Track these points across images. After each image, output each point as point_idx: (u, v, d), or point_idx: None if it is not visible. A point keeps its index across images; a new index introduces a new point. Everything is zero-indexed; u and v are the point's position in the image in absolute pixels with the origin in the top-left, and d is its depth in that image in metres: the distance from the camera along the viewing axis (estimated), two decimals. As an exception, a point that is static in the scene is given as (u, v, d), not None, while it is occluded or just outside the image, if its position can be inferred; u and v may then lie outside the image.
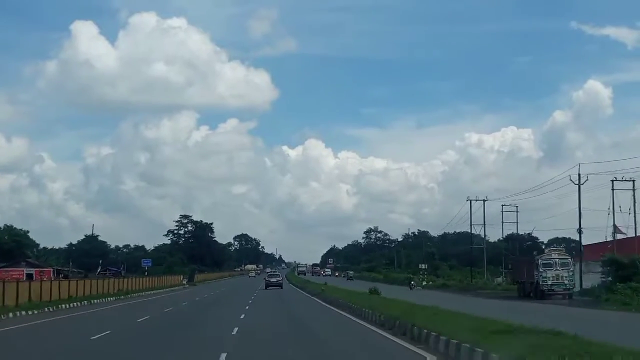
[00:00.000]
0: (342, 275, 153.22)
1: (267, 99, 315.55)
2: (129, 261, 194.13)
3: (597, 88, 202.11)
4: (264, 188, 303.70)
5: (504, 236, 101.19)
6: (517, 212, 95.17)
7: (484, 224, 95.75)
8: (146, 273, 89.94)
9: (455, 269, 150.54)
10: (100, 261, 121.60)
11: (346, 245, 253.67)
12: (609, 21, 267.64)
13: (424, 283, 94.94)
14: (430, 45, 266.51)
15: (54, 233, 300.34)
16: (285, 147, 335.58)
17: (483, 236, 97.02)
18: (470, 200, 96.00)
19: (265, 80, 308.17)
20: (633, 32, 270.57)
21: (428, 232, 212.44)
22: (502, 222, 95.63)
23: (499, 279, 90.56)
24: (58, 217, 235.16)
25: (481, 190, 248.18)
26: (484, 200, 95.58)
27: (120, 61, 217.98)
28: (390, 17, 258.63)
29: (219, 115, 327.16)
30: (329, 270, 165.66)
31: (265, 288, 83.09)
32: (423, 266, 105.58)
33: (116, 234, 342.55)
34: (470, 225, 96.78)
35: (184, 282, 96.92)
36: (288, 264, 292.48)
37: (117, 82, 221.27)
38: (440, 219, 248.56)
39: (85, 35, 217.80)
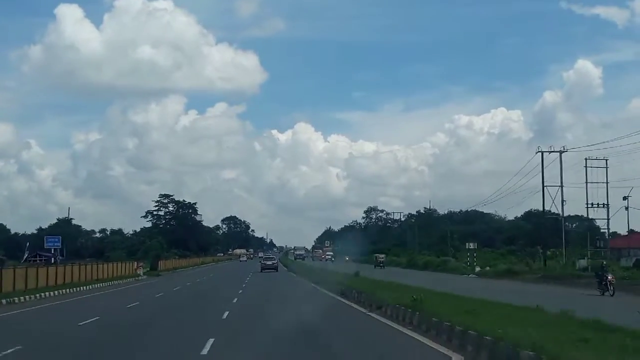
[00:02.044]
0: (350, 259, 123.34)
1: (256, 82, 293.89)
2: (106, 246, 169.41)
3: (587, 68, 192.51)
4: (253, 172, 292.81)
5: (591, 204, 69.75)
6: (606, 167, 65.68)
7: (561, 185, 65.74)
8: (57, 259, 60.99)
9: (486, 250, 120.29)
10: (28, 244, 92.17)
11: (343, 226, 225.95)
12: (598, 0, 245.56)
13: (478, 269, 65.08)
14: (418, 27, 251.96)
15: (38, 220, 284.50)
16: (274, 131, 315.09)
17: (561, 201, 66.73)
18: (542, 152, 66.12)
19: (254, 63, 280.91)
20: (623, 11, 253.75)
21: (436, 210, 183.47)
22: (587, 182, 65.72)
23: (582, 262, 60.89)
24: (46, 203, 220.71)
25: (472, 172, 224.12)
26: (561, 152, 65.86)
27: (106, 45, 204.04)
28: (377, 0, 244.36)
29: (207, 99, 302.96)
30: (331, 253, 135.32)
31: (261, 271, 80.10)
32: (471, 245, 75.75)
33: (101, 220, 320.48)
34: (543, 185, 66.62)
35: (140, 271, 66.62)
36: (280, 248, 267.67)
37: (104, 66, 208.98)
38: (430, 201, 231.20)
39: (70, 19, 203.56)
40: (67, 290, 42.75)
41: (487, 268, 67.11)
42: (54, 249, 76.59)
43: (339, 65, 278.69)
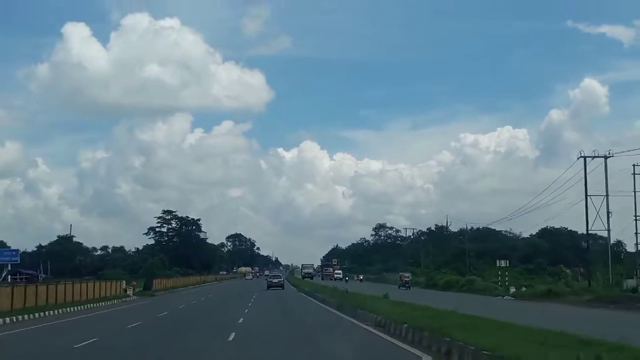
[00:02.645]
0: (364, 278, 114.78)
1: (262, 100, 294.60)
2: (107, 264, 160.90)
3: (593, 86, 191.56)
4: (259, 191, 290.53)
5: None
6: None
7: (607, 195, 56.41)
8: (39, 277, 52.18)
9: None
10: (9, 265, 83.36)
11: (350, 244, 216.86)
12: (604, 19, 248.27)
13: (512, 290, 55.76)
14: (424, 46, 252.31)
15: (43, 238, 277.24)
16: (280, 149, 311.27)
17: (607, 213, 57.54)
18: (585, 157, 56.88)
19: (260, 81, 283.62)
20: (629, 30, 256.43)
21: (448, 227, 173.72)
22: (635, 191, 56.50)
23: (631, 281, 51.57)
24: (52, 222, 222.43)
25: (477, 190, 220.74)
26: (606, 157, 56.69)
27: (113, 63, 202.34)
28: (385, 19, 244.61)
29: (213, 117, 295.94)
30: (340, 272, 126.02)
31: (267, 288, 78.91)
32: (502, 263, 66.51)
33: (107, 238, 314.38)
34: (586, 196, 57.36)
35: (129, 291, 57.47)
36: (286, 267, 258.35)
37: (110, 84, 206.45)
38: (436, 219, 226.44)
39: (77, 38, 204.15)
40: (24, 316, 33.61)
41: (523, 289, 57.80)
42: (10, 264, 67.56)
43: (345, 83, 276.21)
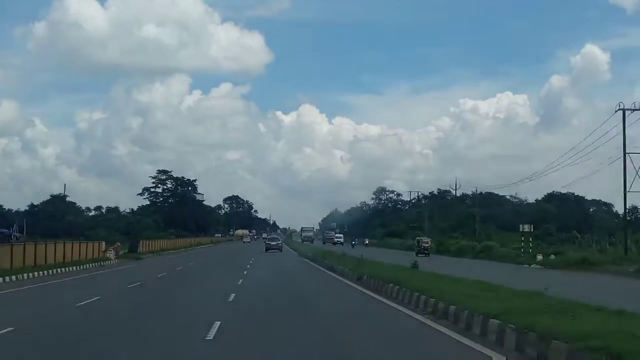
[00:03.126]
0: (361, 242, 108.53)
1: (261, 62, 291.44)
2: (101, 225, 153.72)
3: (594, 53, 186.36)
4: (257, 154, 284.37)
5: None
6: None
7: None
8: (13, 237, 44.84)
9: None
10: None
11: (349, 208, 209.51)
12: None
13: (539, 258, 48.65)
14: (425, 10, 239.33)
15: (39, 198, 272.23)
16: (279, 113, 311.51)
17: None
18: (624, 110, 49.42)
19: (260, 43, 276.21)
20: None
21: (450, 191, 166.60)
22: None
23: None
24: (49, 182, 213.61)
25: (476, 157, 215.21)
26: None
27: (111, 23, 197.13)
28: None
29: (212, 78, 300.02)
30: (341, 236, 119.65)
31: (266, 251, 78.79)
32: (526, 228, 59.56)
33: (104, 199, 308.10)
34: (625, 152, 49.99)
35: (110, 254, 50.15)
36: (283, 230, 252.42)
37: (108, 44, 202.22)
38: (434, 185, 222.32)
39: None
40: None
41: (552, 256, 50.64)
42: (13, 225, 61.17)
43: (345, 47, 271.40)
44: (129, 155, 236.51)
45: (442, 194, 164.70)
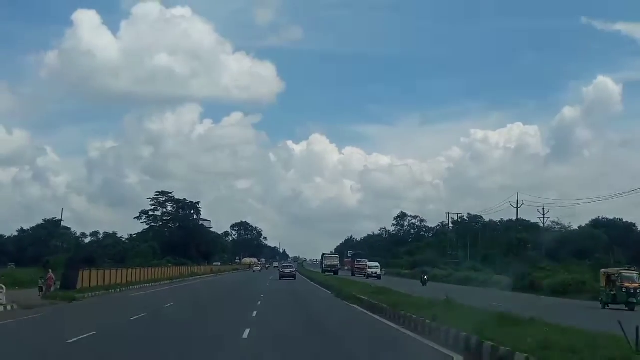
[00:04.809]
0: (422, 277, 70.36)
1: (272, 92, 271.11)
2: (95, 252, 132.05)
3: (607, 84, 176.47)
4: (267, 183, 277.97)
5: None
6: None
7: None
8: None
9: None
10: None
11: (367, 235, 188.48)
12: (620, 17, 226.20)
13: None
14: (435, 41, 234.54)
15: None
16: (289, 142, 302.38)
17: None
18: None
19: (271, 72, 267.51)
20: None
21: (481, 217, 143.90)
22: None
23: None
24: (59, 210, 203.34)
25: (487, 187, 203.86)
26: None
27: (123, 52, 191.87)
28: (396, 14, 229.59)
29: (223, 108, 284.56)
30: (378, 266, 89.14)
31: (280, 278, 74.28)
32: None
33: (111, 227, 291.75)
34: None
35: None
36: (294, 259, 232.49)
37: (120, 73, 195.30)
38: (444, 216, 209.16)
39: (87, 26, 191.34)
40: None
41: None
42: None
43: (355, 77, 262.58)
44: (140, 184, 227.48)
45: (473, 219, 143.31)
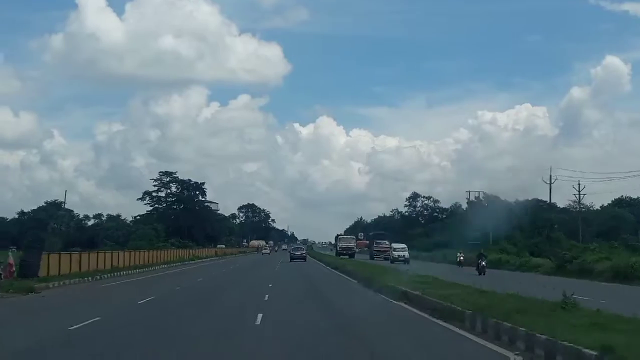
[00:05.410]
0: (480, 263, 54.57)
1: (279, 74, 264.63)
2: (97, 234, 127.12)
3: (615, 64, 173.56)
4: (274, 166, 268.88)
5: None
6: None
7: None
8: None
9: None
10: None
11: (377, 216, 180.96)
12: None
13: None
14: (442, 22, 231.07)
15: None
16: (296, 125, 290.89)
17: None
18: None
19: (278, 54, 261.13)
20: None
21: (498, 197, 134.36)
22: None
23: None
24: (68, 194, 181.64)
25: (495, 168, 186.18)
26: None
27: (128, 35, 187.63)
28: None
29: (229, 90, 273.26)
30: (404, 248, 74.49)
31: (290, 260, 73.56)
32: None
33: (118, 210, 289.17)
34: None
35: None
36: (303, 241, 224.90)
37: (126, 56, 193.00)
38: (453, 197, 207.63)
39: (92, 8, 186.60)
40: None
41: None
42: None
43: (362, 59, 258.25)
44: (147, 167, 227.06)
45: (489, 200, 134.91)
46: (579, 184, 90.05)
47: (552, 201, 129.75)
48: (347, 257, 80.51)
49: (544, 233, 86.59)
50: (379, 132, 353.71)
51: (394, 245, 75.93)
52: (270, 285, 31.40)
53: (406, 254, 70.81)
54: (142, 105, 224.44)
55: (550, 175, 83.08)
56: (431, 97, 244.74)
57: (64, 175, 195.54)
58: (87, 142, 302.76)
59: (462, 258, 58.02)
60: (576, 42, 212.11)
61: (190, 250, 76.67)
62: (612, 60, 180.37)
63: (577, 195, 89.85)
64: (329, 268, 54.87)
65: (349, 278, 38.67)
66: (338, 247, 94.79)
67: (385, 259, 76.94)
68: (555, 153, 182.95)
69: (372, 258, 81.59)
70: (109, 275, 37.73)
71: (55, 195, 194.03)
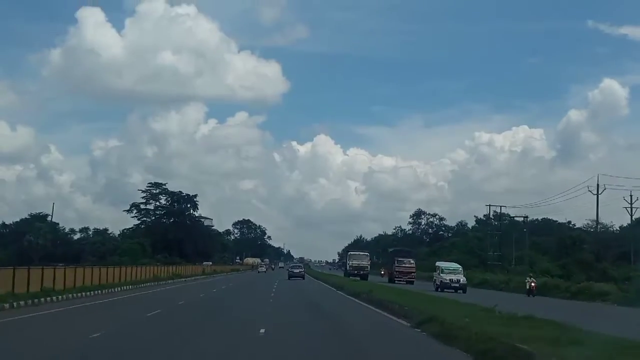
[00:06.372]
0: (530, 284, 46.62)
1: (277, 92, 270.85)
2: (82, 249, 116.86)
3: (613, 88, 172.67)
4: (271, 184, 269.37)
5: None
6: None
7: None
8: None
9: None
10: None
11: (377, 235, 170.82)
12: (626, 20, 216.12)
13: None
14: (440, 43, 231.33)
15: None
16: (294, 143, 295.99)
17: None
18: None
19: (276, 72, 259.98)
20: None
21: (509, 215, 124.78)
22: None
23: None
24: (64, 209, 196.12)
25: (492, 190, 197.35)
26: None
27: (128, 50, 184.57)
28: (401, 16, 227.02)
29: (228, 107, 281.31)
30: (460, 272, 52.21)
31: (289, 278, 72.12)
32: None
33: (114, 226, 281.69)
34: None
35: None
36: (300, 259, 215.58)
37: (124, 71, 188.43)
38: (449, 218, 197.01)
39: (92, 23, 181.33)
40: None
41: None
42: None
43: (360, 79, 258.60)
44: (143, 184, 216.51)
45: (497, 219, 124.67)
46: (630, 195, 78.45)
47: (569, 219, 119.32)
48: (359, 278, 66.88)
49: (572, 254, 76.14)
50: (376, 152, 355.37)
51: (443, 265, 54.64)
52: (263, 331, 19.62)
53: (462, 278, 51.18)
54: (140, 121, 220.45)
55: (598, 185, 71.67)
56: (429, 117, 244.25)
57: (60, 190, 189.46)
58: (84, 157, 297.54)
59: (533, 285, 45.91)
60: (574, 65, 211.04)
61: (170, 268, 65.24)
62: (610, 84, 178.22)
63: (629, 209, 78.37)
64: (357, 301, 35.59)
65: (397, 320, 23.15)
66: (348, 266, 78.86)
67: (408, 282, 65.34)
68: (553, 175, 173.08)
69: (392, 281, 67.72)
70: (39, 300, 26.39)
71: (47, 209, 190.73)
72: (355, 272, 73.25)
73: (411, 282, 65.26)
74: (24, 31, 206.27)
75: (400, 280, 66.37)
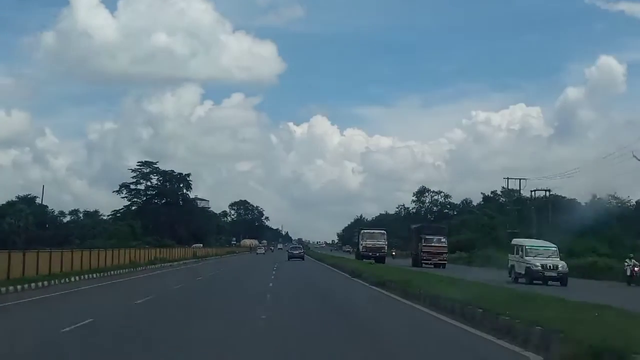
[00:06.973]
0: (634, 268, 36.01)
1: (273, 72, 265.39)
2: (71, 232, 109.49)
3: (610, 64, 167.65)
4: (268, 165, 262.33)
5: None
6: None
7: None
8: None
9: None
10: None
11: (379, 214, 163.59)
12: None
13: None
14: (436, 22, 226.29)
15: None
16: (291, 124, 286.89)
17: None
18: None
19: (272, 52, 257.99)
20: None
21: (519, 191, 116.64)
22: None
23: None
24: (60, 193, 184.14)
25: (490, 169, 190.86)
26: None
27: (121, 32, 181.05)
28: None
29: (223, 89, 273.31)
30: (554, 252, 35.81)
31: (288, 259, 72.59)
32: None
33: (109, 209, 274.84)
34: None
35: None
36: (299, 241, 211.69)
37: (118, 53, 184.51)
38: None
39: (85, 5, 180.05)
40: None
41: None
42: None
43: (356, 59, 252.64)
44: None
45: (506, 195, 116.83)
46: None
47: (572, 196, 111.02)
48: (374, 261, 56.29)
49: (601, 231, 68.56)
50: (373, 132, 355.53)
51: (528, 243, 37.59)
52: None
53: (561, 263, 34.60)
54: (135, 103, 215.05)
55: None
56: (425, 97, 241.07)
57: (55, 173, 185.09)
58: (80, 140, 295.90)
59: (636, 269, 36.14)
60: (571, 42, 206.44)
61: (152, 251, 56.96)
62: (607, 60, 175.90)
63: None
64: (376, 288, 27.63)
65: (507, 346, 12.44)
66: (360, 247, 67.22)
67: (437, 265, 56.05)
68: (550, 153, 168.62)
69: (417, 264, 57.15)
70: None
71: (49, 194, 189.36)
72: (370, 253, 62.58)
73: (442, 265, 56.12)
74: (16, 14, 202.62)
75: (427, 264, 56.39)
